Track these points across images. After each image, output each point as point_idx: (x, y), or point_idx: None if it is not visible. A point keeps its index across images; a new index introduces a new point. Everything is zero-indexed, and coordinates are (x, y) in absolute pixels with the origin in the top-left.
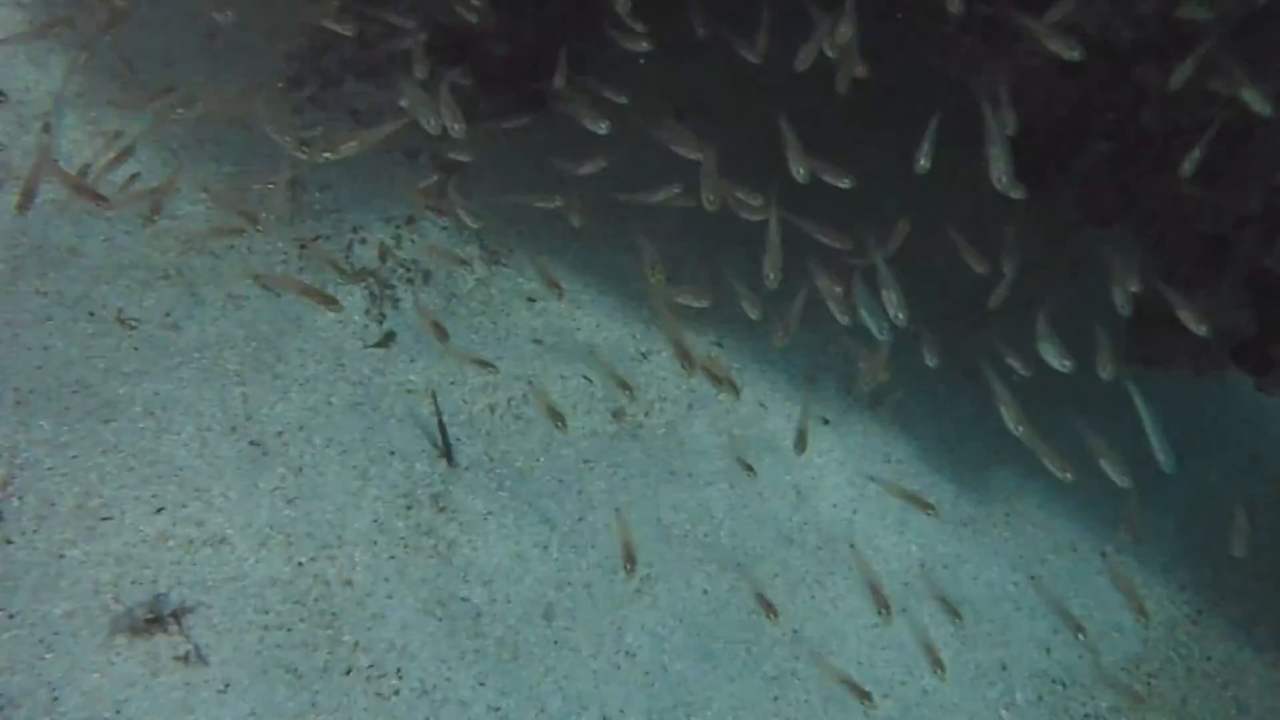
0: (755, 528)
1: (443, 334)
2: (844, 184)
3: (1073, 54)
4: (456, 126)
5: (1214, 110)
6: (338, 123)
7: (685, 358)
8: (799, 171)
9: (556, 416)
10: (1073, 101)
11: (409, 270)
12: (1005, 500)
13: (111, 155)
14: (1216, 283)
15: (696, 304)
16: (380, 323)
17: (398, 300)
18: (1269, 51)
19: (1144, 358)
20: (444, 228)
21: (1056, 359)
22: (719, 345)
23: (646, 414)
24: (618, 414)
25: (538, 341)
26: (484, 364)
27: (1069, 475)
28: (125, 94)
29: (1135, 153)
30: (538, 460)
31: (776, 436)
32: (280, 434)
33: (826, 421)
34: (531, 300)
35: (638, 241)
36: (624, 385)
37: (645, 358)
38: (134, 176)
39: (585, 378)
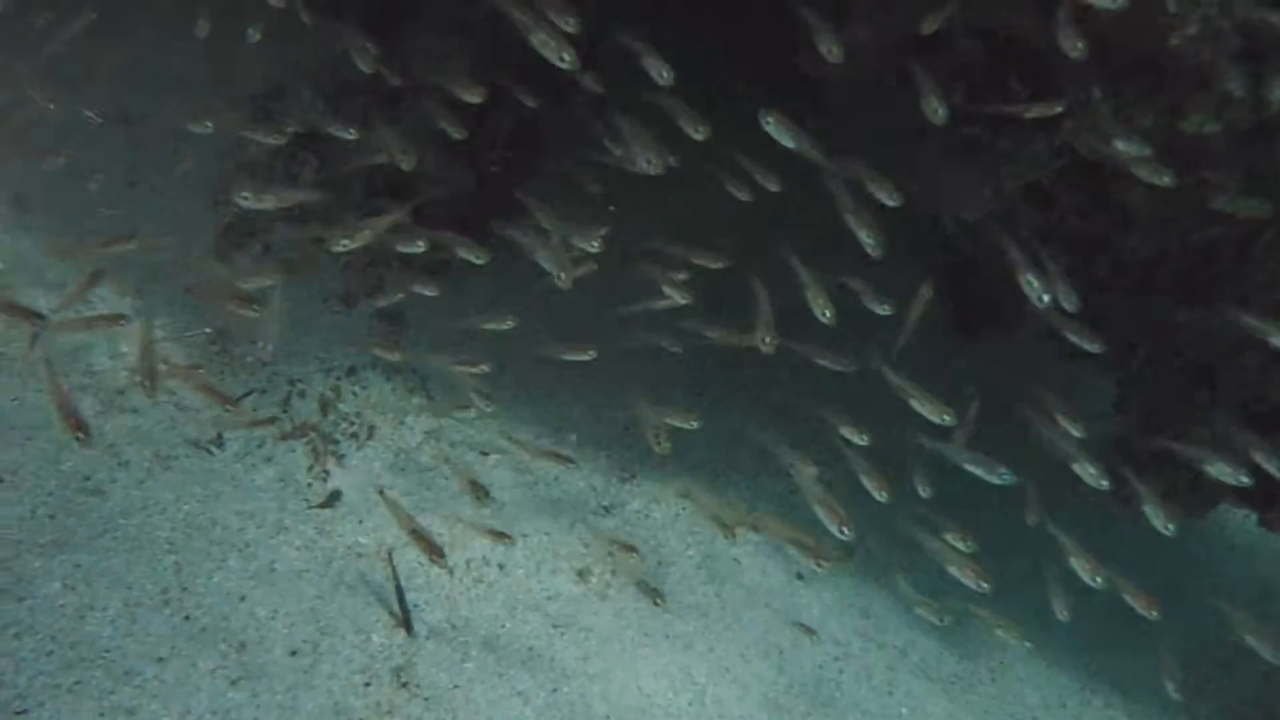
0: (740, 693)
1: (484, 494)
2: (884, 310)
3: (1164, 180)
4: (563, 275)
5: (1207, 231)
6: (270, 271)
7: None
8: (825, 315)
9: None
10: (1039, 233)
11: (352, 424)
12: (989, 654)
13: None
14: (1209, 413)
15: (686, 425)
16: (324, 481)
17: (342, 456)
18: (1274, 162)
19: (1125, 499)
20: (387, 378)
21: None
22: (685, 496)
23: (614, 572)
24: (583, 573)
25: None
26: (501, 535)
27: (1155, 612)
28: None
29: (1109, 282)
30: (504, 626)
31: (755, 591)
32: (219, 606)
33: (800, 577)
34: (484, 453)
35: (639, 410)
36: (629, 548)
37: (609, 511)
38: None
39: (545, 534)
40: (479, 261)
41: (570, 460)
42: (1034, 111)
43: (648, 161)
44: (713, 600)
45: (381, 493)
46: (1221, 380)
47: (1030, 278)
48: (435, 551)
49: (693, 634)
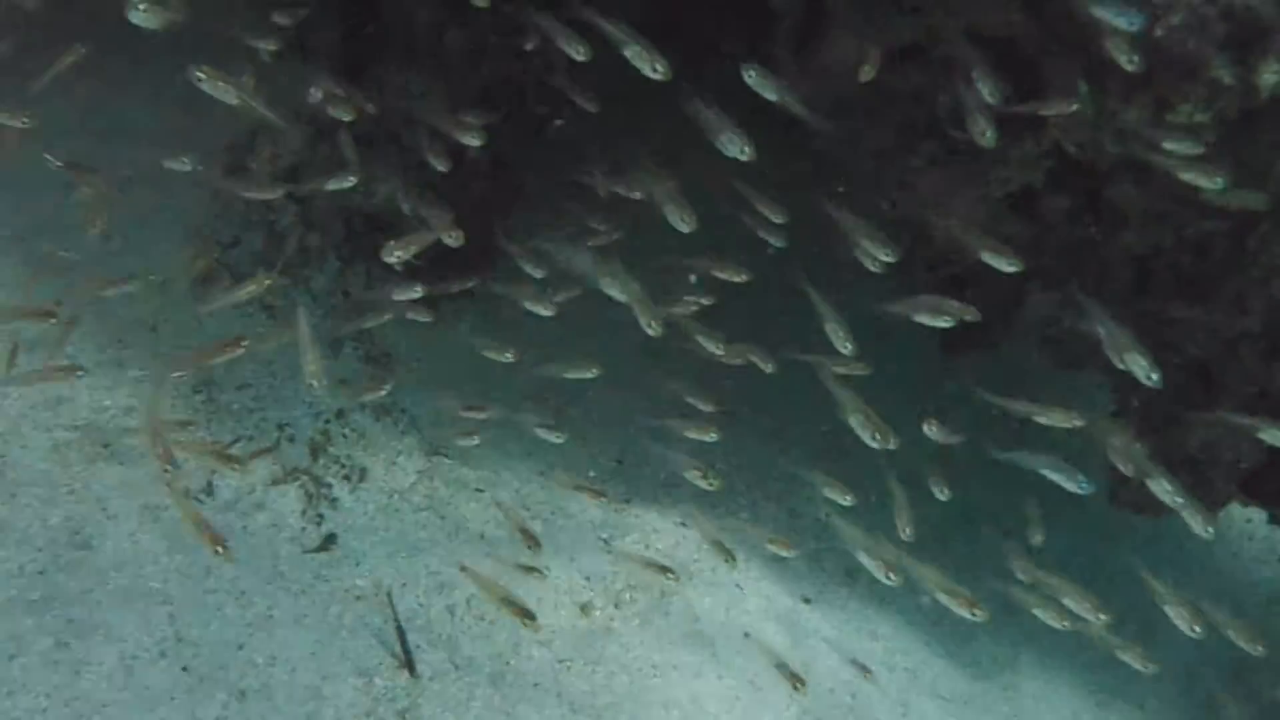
0: None
1: (535, 542)
2: (943, 322)
3: (1215, 183)
4: (653, 325)
5: (1200, 225)
6: (252, 318)
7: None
8: (846, 347)
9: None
10: (1024, 243)
11: (344, 466)
12: (1000, 673)
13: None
14: (1212, 410)
15: (705, 438)
16: (319, 524)
17: (335, 499)
18: (1265, 151)
19: (1130, 504)
20: (377, 418)
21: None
22: (683, 525)
23: (617, 605)
24: (586, 607)
25: (483, 537)
26: (531, 569)
27: (1198, 630)
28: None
29: (1100, 285)
30: (508, 663)
31: (759, 618)
32: (217, 656)
33: (808, 600)
34: (479, 490)
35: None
36: (667, 570)
37: (608, 544)
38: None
39: (546, 568)
40: (547, 314)
41: (601, 494)
42: (1052, 109)
43: (682, 220)
44: (719, 628)
45: (464, 568)
46: (1220, 376)
47: (1138, 356)
48: (527, 615)
49: (701, 663)
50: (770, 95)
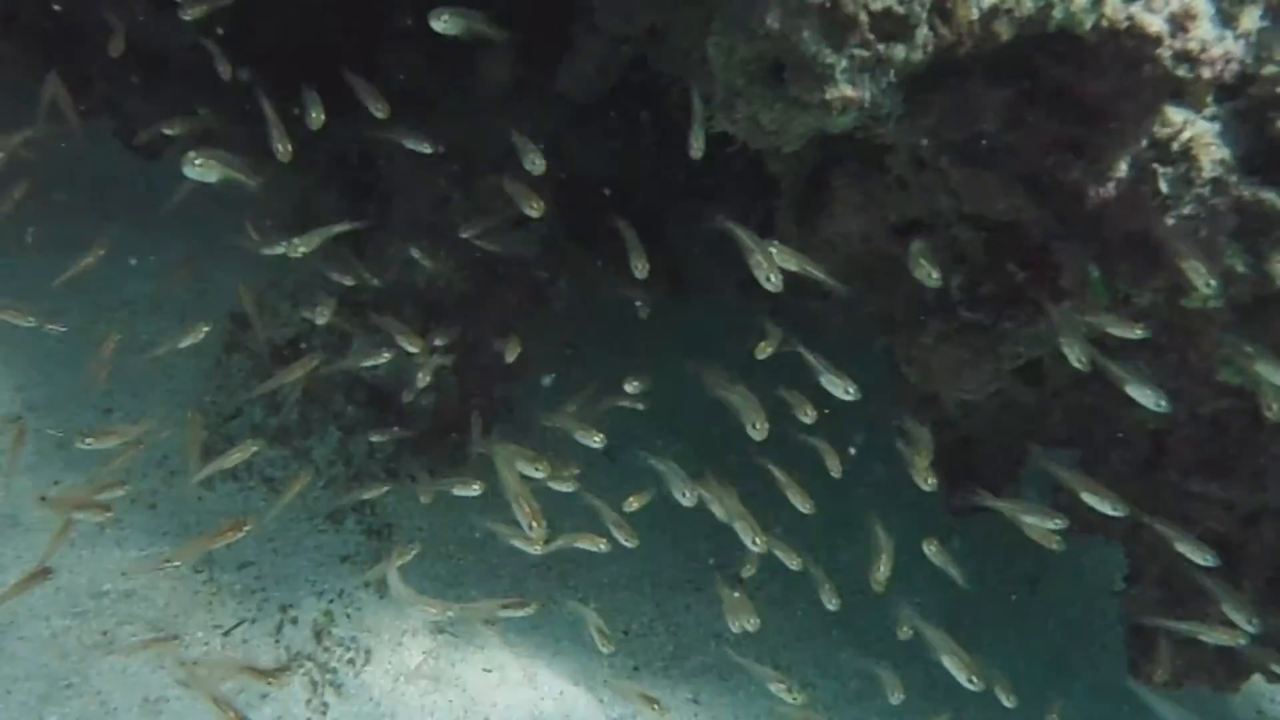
0: None
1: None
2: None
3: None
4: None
5: (1215, 402)
6: (251, 492)
7: None
8: (880, 573)
9: None
10: (1030, 410)
11: (348, 649)
12: None
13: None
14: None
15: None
16: (324, 714)
17: (340, 685)
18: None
19: (1147, 676)
20: (381, 596)
21: None
22: (695, 701)
23: None
24: None
25: None
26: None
27: None
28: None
29: (1108, 457)
30: None
31: None
32: None
33: None
34: (487, 670)
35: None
36: None
37: None
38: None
39: None
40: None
41: (655, 700)
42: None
43: (755, 428)
44: None
45: None
46: (1240, 552)
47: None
48: None
49: None
50: (793, 268)
